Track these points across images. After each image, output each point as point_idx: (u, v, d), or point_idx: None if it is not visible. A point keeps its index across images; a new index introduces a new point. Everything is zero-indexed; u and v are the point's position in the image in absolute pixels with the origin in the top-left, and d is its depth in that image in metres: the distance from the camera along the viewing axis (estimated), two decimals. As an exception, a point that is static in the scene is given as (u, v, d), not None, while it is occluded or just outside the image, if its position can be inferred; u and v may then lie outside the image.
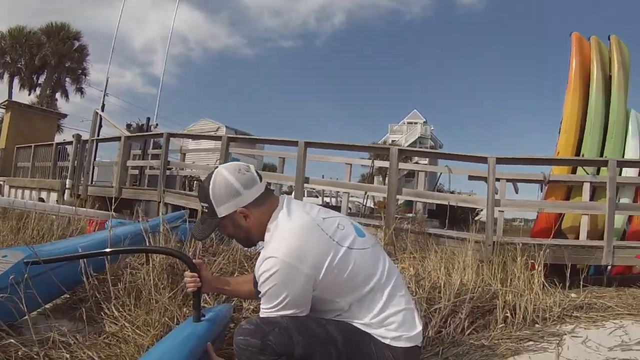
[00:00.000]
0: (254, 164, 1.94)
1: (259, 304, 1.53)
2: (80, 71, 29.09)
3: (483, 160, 5.21)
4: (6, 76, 27.25)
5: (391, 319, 1.52)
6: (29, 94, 27.77)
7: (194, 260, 1.83)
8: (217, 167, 1.65)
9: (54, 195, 9.64)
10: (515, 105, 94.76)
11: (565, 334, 2.68)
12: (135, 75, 66.48)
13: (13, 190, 11.32)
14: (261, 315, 1.49)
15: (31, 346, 1.80)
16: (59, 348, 1.90)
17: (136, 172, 10.17)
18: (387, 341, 1.50)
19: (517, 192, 5.79)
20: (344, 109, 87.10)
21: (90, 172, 9.33)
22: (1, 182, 12.06)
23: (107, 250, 2.61)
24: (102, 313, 2.32)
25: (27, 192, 10.70)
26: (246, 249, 3.26)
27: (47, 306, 2.47)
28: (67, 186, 9.32)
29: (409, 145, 37.49)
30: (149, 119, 11.87)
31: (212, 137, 9.23)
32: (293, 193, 6.50)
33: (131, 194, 8.09)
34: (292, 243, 1.46)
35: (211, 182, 1.57)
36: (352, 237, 1.55)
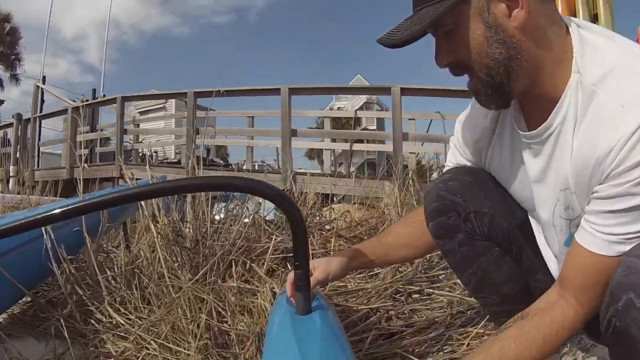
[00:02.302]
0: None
1: None
2: (13, 57, 26.68)
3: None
4: None
5: None
6: (-42, 84, 25.34)
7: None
8: None
9: (-2, 186, 8.47)
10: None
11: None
12: (70, 64, 62.69)
13: (-51, 188, 9.96)
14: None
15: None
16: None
17: (86, 151, 9.07)
18: None
19: None
20: (282, 79, 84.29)
21: (36, 155, 8.22)
22: None
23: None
24: (91, 320, 1.43)
25: (-34, 187, 9.41)
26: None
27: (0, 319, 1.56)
28: (11, 174, 8.21)
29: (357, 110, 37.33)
30: (95, 90, 10.46)
31: (176, 95, 8.01)
32: (279, 153, 5.51)
33: (85, 173, 6.99)
34: None
35: None
36: None
